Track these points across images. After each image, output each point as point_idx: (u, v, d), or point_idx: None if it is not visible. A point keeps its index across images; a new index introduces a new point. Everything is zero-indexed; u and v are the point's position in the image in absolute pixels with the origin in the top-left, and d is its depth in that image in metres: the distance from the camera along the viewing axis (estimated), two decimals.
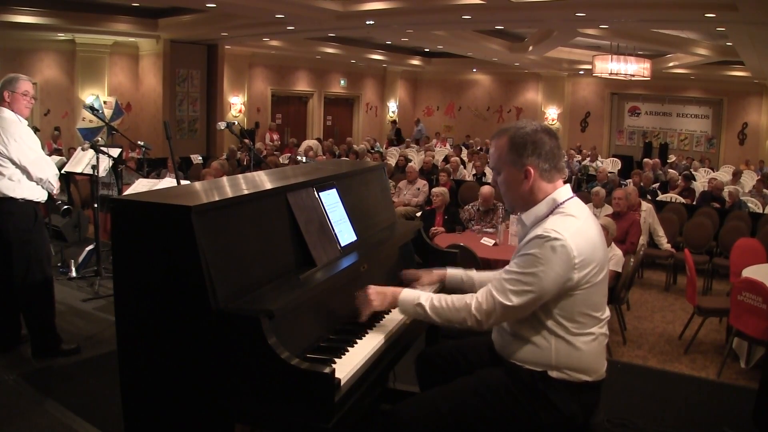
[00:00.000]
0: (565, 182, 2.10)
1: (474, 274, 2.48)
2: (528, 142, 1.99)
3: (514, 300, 1.93)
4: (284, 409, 1.72)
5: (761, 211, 8.68)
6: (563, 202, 2.01)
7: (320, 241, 2.29)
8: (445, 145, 18.26)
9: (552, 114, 19.30)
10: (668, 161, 15.39)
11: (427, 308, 2.07)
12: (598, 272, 1.97)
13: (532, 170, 2.00)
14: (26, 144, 3.66)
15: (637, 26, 11.08)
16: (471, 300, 2.01)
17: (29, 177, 3.70)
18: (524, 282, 1.91)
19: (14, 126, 3.64)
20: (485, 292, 1.99)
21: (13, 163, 3.62)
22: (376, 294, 2.17)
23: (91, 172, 5.53)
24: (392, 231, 2.88)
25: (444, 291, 2.62)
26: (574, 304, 1.96)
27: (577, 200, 2.05)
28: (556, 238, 1.89)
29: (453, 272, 2.51)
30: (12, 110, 3.66)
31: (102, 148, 5.32)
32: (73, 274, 5.74)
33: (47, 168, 3.78)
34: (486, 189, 6.46)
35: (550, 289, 1.91)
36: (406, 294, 2.14)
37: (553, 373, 2.00)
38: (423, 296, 2.11)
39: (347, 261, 2.33)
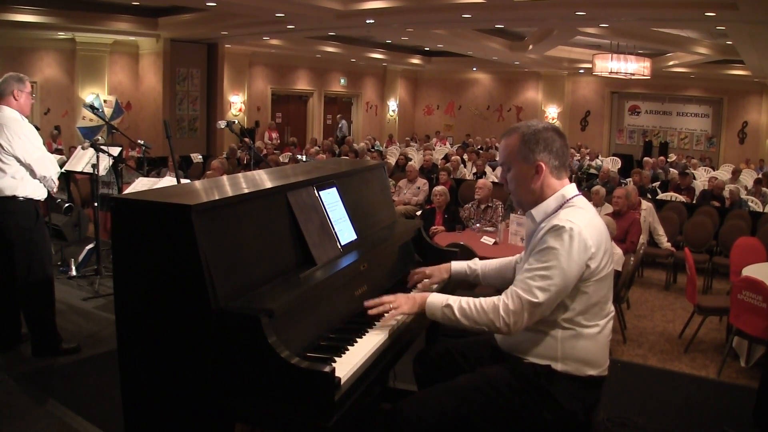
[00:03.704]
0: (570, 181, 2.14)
1: (477, 265, 2.50)
2: (540, 139, 2.04)
3: (541, 296, 1.93)
4: (284, 408, 1.72)
5: (761, 210, 8.69)
6: (571, 197, 2.06)
7: (320, 240, 2.29)
8: (445, 144, 18.27)
9: (552, 113, 19.30)
10: (668, 160, 15.41)
11: (456, 310, 2.05)
12: (607, 264, 2.01)
13: (543, 166, 2.04)
14: (30, 141, 3.69)
15: (637, 25, 11.08)
16: (498, 302, 1.99)
17: (33, 174, 3.72)
18: (547, 276, 1.92)
19: (18, 124, 3.68)
20: (511, 293, 1.98)
21: (18, 160, 3.65)
22: (405, 299, 2.17)
23: (91, 170, 5.52)
24: (392, 230, 2.88)
25: (450, 284, 2.65)
26: (586, 295, 1.99)
27: (582, 197, 2.10)
28: (571, 228, 1.92)
29: (457, 265, 2.53)
30: (18, 108, 3.70)
31: (102, 147, 5.32)
32: (73, 273, 5.74)
33: (50, 165, 3.81)
34: (483, 181, 6.54)
35: (572, 279, 1.93)
36: (434, 297, 2.13)
37: (558, 366, 2.01)
38: (451, 298, 2.09)
39: (347, 260, 2.33)
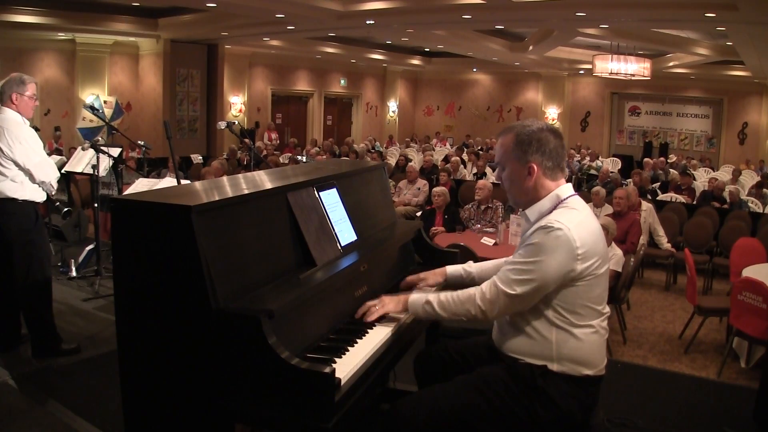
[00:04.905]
0: (567, 181, 2.14)
1: (472, 267, 2.52)
2: (533, 140, 2.05)
3: (518, 289, 1.97)
4: (284, 409, 1.72)
5: (761, 211, 8.68)
6: (566, 198, 2.07)
7: (320, 241, 2.29)
8: (445, 145, 18.27)
9: (552, 114, 19.30)
10: (669, 161, 15.42)
11: (435, 305, 2.13)
12: (600, 265, 2.01)
13: (535, 167, 2.05)
14: (30, 146, 3.67)
15: (637, 26, 11.08)
16: (475, 291, 2.07)
17: (32, 179, 3.71)
18: (527, 270, 1.96)
19: (18, 128, 3.65)
20: (489, 283, 2.05)
21: (17, 165, 3.63)
22: (390, 299, 2.26)
23: (91, 171, 5.53)
24: (392, 231, 2.88)
25: (447, 288, 2.64)
26: (576, 295, 1.99)
27: (578, 197, 2.11)
28: (558, 228, 1.94)
29: (452, 269, 2.55)
30: (18, 111, 3.67)
31: (102, 148, 5.32)
32: (74, 273, 5.74)
33: (50, 171, 3.79)
34: (483, 182, 6.55)
35: (552, 278, 1.95)
36: (415, 296, 2.22)
37: (554, 366, 2.02)
38: (431, 295, 2.18)
39: (347, 261, 2.33)
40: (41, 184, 3.76)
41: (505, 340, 2.13)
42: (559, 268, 1.94)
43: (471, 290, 2.09)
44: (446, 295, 2.13)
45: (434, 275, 2.55)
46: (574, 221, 1.97)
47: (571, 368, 2.02)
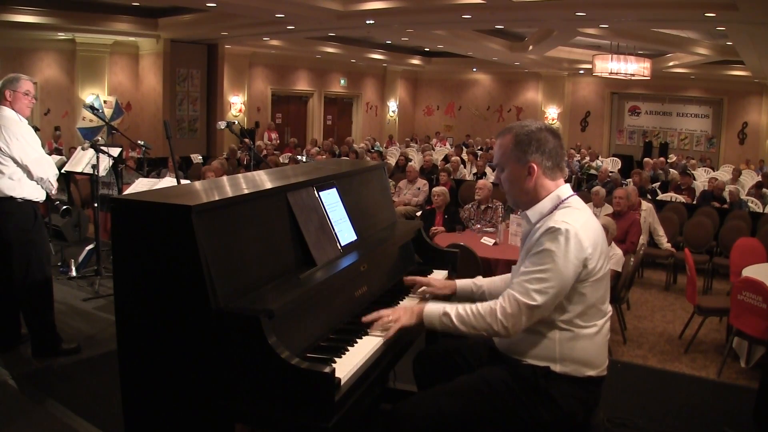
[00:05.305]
0: (565, 182, 2.14)
1: (482, 282, 2.48)
2: (532, 140, 2.04)
3: (538, 299, 1.93)
4: (284, 409, 1.72)
5: (761, 211, 8.68)
6: (566, 198, 2.06)
7: (320, 241, 2.29)
8: (445, 145, 18.28)
9: (552, 113, 19.30)
10: (668, 161, 15.41)
11: (453, 318, 2.04)
12: (604, 264, 2.02)
13: (535, 167, 2.04)
14: (28, 143, 3.67)
15: (637, 26, 11.08)
16: (495, 305, 1.99)
17: (30, 176, 3.70)
18: (544, 279, 1.93)
19: (16, 125, 3.65)
20: (507, 296, 1.98)
21: (15, 162, 3.63)
22: (404, 310, 2.16)
23: (91, 171, 5.53)
24: (392, 230, 2.88)
25: (455, 301, 2.63)
26: (581, 296, 1.99)
27: (578, 197, 2.10)
28: (567, 230, 1.93)
29: (462, 284, 2.50)
30: (13, 109, 3.67)
31: (102, 148, 5.32)
32: (73, 273, 5.74)
33: (48, 168, 3.79)
34: (483, 182, 6.55)
35: (569, 279, 1.94)
36: (431, 307, 2.12)
37: (557, 367, 2.02)
38: (448, 306, 2.08)
39: (347, 260, 2.34)
40: (39, 181, 3.75)
41: (507, 341, 2.12)
42: (574, 269, 1.93)
43: (491, 304, 2.01)
44: (465, 308, 2.04)
45: (442, 288, 2.49)
46: (579, 221, 1.97)
47: (574, 369, 2.02)
